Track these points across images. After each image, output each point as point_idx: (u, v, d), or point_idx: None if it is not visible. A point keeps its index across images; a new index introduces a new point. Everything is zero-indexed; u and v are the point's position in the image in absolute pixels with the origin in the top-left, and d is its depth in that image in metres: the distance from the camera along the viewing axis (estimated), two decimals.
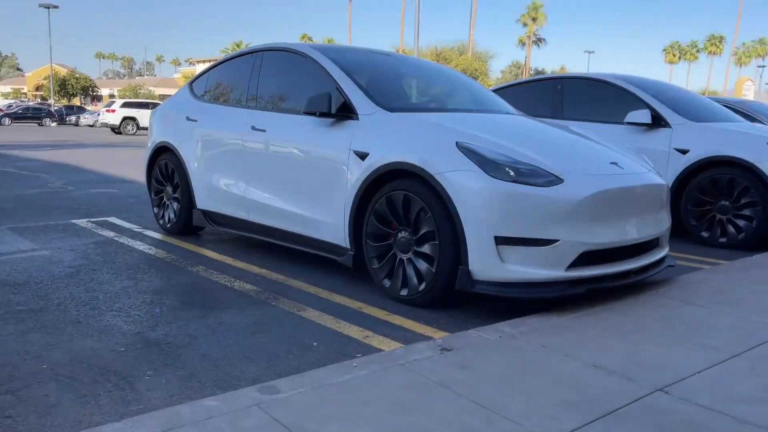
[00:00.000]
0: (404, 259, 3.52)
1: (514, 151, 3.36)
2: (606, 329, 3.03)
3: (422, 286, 3.40)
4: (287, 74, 4.64)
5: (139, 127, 29.45)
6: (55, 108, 45.01)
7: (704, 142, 5.58)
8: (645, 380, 2.42)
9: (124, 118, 29.59)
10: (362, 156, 3.69)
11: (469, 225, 3.17)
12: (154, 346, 2.81)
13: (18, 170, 10.80)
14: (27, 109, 42.27)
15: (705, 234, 5.55)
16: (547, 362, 2.58)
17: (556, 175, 3.24)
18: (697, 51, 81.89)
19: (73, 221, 5.97)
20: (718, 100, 8.62)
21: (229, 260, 4.60)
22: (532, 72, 65.96)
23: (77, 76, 70.05)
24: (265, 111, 4.55)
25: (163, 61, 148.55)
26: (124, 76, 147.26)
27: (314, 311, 3.39)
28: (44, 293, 3.59)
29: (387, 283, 3.60)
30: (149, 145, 5.69)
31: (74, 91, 68.32)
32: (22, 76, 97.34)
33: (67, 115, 43.67)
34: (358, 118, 3.84)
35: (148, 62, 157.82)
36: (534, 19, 61.02)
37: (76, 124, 42.23)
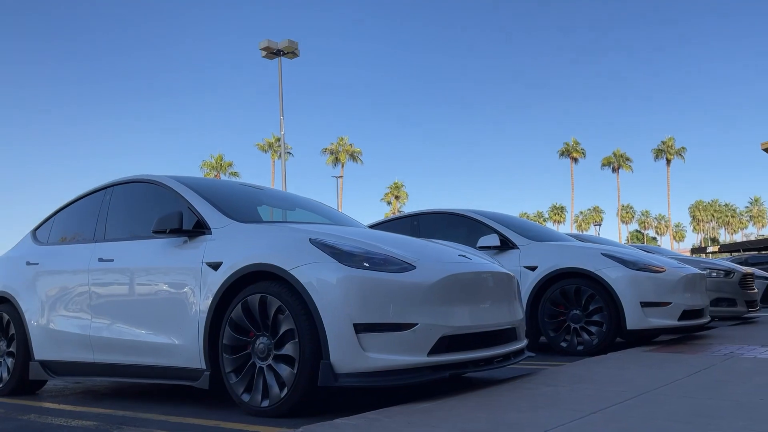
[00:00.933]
0: (264, 367, 3.33)
1: (367, 245, 3.46)
2: (471, 406, 2.99)
3: (284, 391, 3.20)
4: (139, 204, 4.58)
5: None
6: None
7: (549, 258, 6.05)
8: None
9: None
10: (215, 266, 3.61)
11: (328, 316, 3.12)
12: None
13: None
14: None
15: (564, 344, 5.80)
16: None
17: (408, 263, 3.35)
18: (545, 220, 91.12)
19: None
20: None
21: (68, 407, 4.10)
22: None
23: None
24: (113, 242, 4.39)
25: None
26: None
27: None
28: None
29: (246, 397, 3.36)
30: None
31: None
32: None
33: None
34: (210, 232, 3.81)
35: None
36: (397, 197, 65.63)
37: None
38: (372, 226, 7.49)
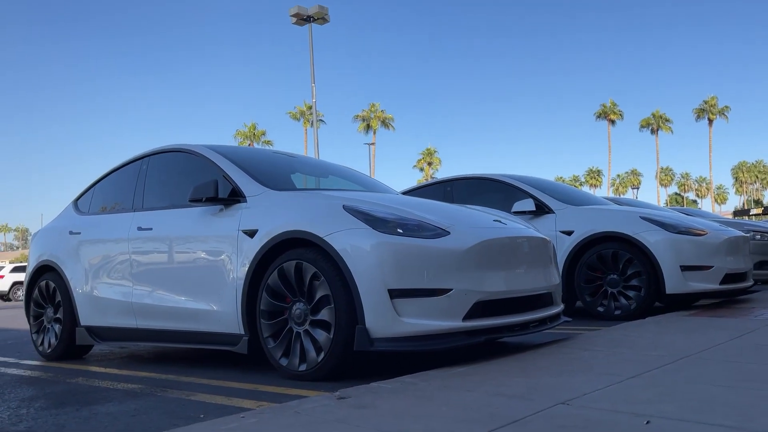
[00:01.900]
0: (300, 331, 3.39)
1: (400, 211, 3.45)
2: (507, 371, 2.99)
3: (321, 356, 3.26)
4: (174, 173, 4.65)
5: None
6: None
7: (585, 222, 5.96)
8: (546, 398, 2.38)
9: (14, 283, 27.86)
10: (251, 233, 3.66)
11: (362, 282, 3.15)
12: None
13: None
14: None
15: (600, 309, 5.74)
16: (447, 397, 2.49)
17: (442, 228, 3.33)
18: (581, 184, 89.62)
19: None
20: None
21: (114, 371, 4.25)
22: None
23: None
24: (151, 211, 4.47)
25: None
26: (18, 248, 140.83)
27: (204, 395, 3.16)
28: None
29: (284, 361, 3.42)
30: (29, 268, 5.37)
31: None
32: None
33: None
34: (245, 200, 3.85)
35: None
36: (430, 164, 65.22)
37: None
38: (405, 193, 7.47)
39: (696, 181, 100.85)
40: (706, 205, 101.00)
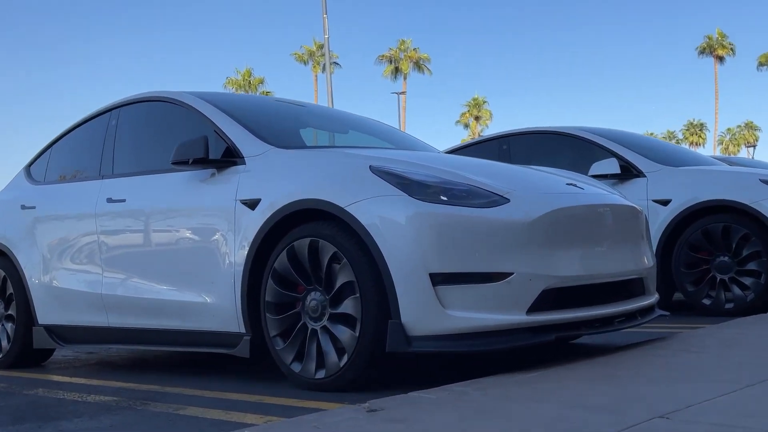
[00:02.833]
0: (317, 329, 3.43)
1: (444, 172, 3.45)
2: (586, 378, 3.00)
3: (344, 359, 3.30)
4: (152, 129, 4.71)
5: None
6: None
7: (687, 189, 5.89)
8: (638, 411, 2.38)
9: None
10: (252, 204, 3.70)
11: (396, 264, 3.16)
12: None
13: None
14: None
15: (707, 301, 5.69)
16: (509, 410, 2.51)
17: (500, 195, 3.33)
18: (678, 142, 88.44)
19: None
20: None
21: (82, 380, 4.37)
22: None
23: None
24: (124, 178, 4.55)
25: None
26: None
27: (196, 408, 3.24)
28: None
29: (297, 367, 3.47)
30: None
31: None
32: None
33: None
34: (244, 162, 3.88)
35: None
36: (477, 118, 64.88)
37: None
38: (448, 153, 7.46)
39: None
40: None
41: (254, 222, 3.66)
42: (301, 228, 3.50)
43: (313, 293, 3.47)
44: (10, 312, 5.15)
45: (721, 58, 65.73)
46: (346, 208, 3.31)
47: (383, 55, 60.38)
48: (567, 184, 3.76)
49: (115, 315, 4.42)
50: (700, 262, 5.75)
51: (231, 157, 3.93)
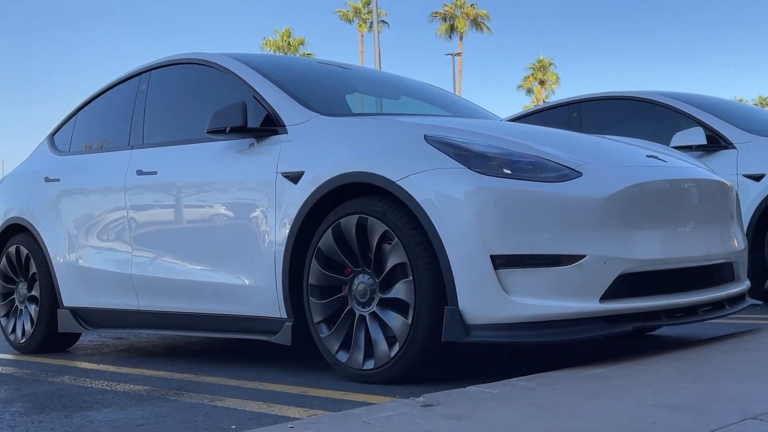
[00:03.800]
0: (366, 315, 3.45)
1: (508, 143, 3.43)
2: (667, 373, 2.97)
3: (395, 349, 3.31)
4: (186, 94, 4.78)
5: None
6: None
7: None
8: (728, 411, 2.35)
9: None
10: (295, 177, 3.72)
11: (454, 244, 3.16)
12: None
13: None
14: None
15: None
16: (580, 407, 2.50)
17: (571, 167, 3.29)
18: None
19: None
20: None
21: (110, 368, 4.48)
22: None
23: None
24: (155, 148, 4.61)
25: None
26: None
27: (235, 400, 3.29)
28: None
29: (343, 356, 3.51)
30: None
31: None
32: None
33: None
34: (286, 131, 3.91)
35: None
36: (542, 82, 64.14)
37: None
38: (523, 116, 7.41)
39: None
40: None
41: (297, 197, 3.68)
42: (348, 204, 3.51)
43: (361, 276, 3.49)
44: (33, 293, 5.29)
45: None
46: (398, 183, 3.31)
47: (437, 12, 59.91)
48: (647, 156, 3.71)
49: (145, 297, 4.51)
50: None
51: (271, 126, 3.96)
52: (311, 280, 3.62)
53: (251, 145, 4.02)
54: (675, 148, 6.00)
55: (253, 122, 3.96)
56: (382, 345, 3.38)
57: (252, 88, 4.17)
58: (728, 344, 3.57)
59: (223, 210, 4.11)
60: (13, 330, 5.40)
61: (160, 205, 4.48)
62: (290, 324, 3.73)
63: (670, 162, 3.73)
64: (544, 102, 60.52)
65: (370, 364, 3.41)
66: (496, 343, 3.17)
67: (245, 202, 3.98)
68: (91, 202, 4.93)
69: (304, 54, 59.11)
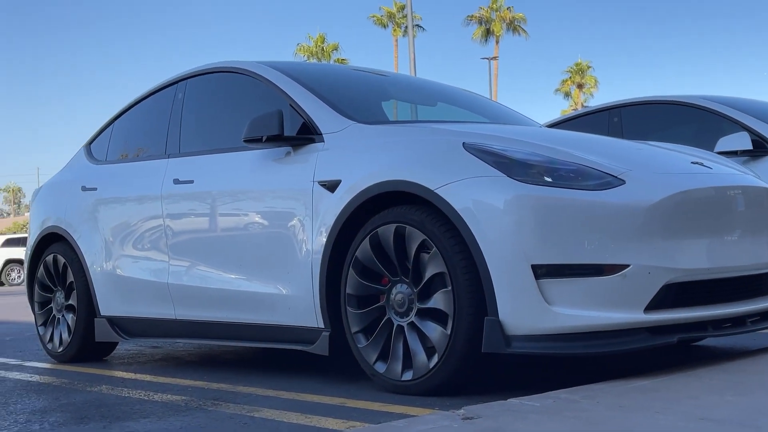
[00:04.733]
0: (404, 325, 3.45)
1: (549, 150, 3.40)
2: (713, 386, 2.93)
3: (433, 360, 3.31)
4: (222, 103, 4.82)
5: None
6: None
7: None
8: None
9: (8, 262, 30.02)
10: (332, 186, 3.73)
11: (494, 254, 3.15)
12: None
13: None
14: None
15: None
16: (626, 421, 2.47)
17: (613, 175, 3.27)
18: None
19: None
20: None
21: (147, 377, 4.52)
22: None
23: None
24: (192, 157, 4.66)
25: None
26: (9, 214, 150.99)
27: (272, 411, 3.31)
28: None
29: (381, 367, 3.51)
30: (31, 237, 5.76)
31: None
32: None
33: None
34: (323, 139, 3.92)
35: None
36: (580, 86, 63.72)
37: None
38: (562, 122, 7.36)
39: None
40: None
41: (334, 205, 3.69)
42: (385, 213, 3.52)
43: (399, 285, 3.49)
44: (70, 302, 5.36)
45: None
46: (437, 191, 3.31)
47: (472, 16, 59.79)
48: (691, 162, 3.66)
49: (182, 306, 4.55)
50: None
51: (308, 134, 3.98)
52: (348, 290, 3.63)
53: (288, 153, 4.05)
54: (720, 153, 5.93)
55: (290, 131, 3.98)
56: (420, 356, 3.37)
57: (288, 96, 4.20)
58: None
59: (259, 219, 4.13)
60: (51, 339, 5.47)
61: (197, 214, 4.52)
62: (327, 334, 3.74)
63: (716, 168, 3.68)
64: (582, 106, 60.09)
65: (408, 375, 3.40)
66: (537, 354, 3.16)
67: (282, 210, 4.00)
68: (127, 211, 4.99)
69: (338, 60, 59.30)
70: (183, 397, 3.75)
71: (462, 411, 2.65)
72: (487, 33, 59.15)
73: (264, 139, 3.98)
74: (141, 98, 5.41)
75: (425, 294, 3.38)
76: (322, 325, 3.78)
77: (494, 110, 5.00)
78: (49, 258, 5.51)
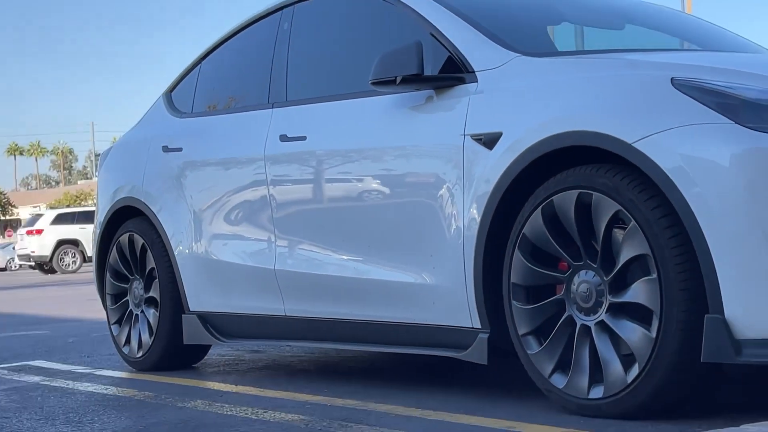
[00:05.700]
0: (590, 325, 3.40)
1: None
2: None
3: (633, 372, 3.25)
4: (342, 34, 4.85)
5: (85, 258, 30.80)
6: None
7: None
8: None
9: (60, 244, 31.12)
10: (490, 141, 3.70)
11: (717, 229, 3.05)
12: None
13: None
14: None
15: None
16: None
17: None
18: None
19: None
20: None
21: (251, 390, 4.62)
22: None
23: None
24: (303, 106, 4.69)
25: None
26: (58, 182, 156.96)
27: None
28: None
29: (560, 380, 3.48)
30: (100, 212, 5.93)
31: None
32: None
33: None
34: (475, 78, 3.89)
35: (99, 155, 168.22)
36: None
37: None
38: None
39: None
40: None
41: (493, 166, 3.67)
42: (564, 175, 3.47)
43: (583, 272, 3.45)
44: (151, 294, 5.50)
45: None
46: (635, 145, 3.23)
47: None
48: None
49: (293, 300, 4.61)
50: None
51: (456, 72, 3.96)
52: (514, 279, 3.61)
53: (429, 98, 4.03)
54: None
55: (432, 68, 3.97)
56: (614, 366, 3.32)
57: (429, 23, 4.17)
58: None
59: (392, 186, 4.13)
60: (128, 341, 5.64)
61: (311, 181, 4.55)
62: (485, 336, 3.73)
63: None
64: None
65: (597, 392, 3.36)
66: None
67: (422, 175, 3.99)
68: (222, 178, 5.07)
69: None
70: (301, 417, 3.80)
71: None
72: None
73: (398, 80, 3.97)
74: (235, 31, 5.47)
75: (620, 284, 3.33)
76: (477, 325, 3.77)
77: (705, 33, 4.86)
78: (124, 238, 5.68)
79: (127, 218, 5.72)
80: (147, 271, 5.52)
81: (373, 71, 4.05)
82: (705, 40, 4.69)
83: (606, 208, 3.32)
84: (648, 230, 3.20)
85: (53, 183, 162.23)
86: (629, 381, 3.26)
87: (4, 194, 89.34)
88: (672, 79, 3.30)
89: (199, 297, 5.18)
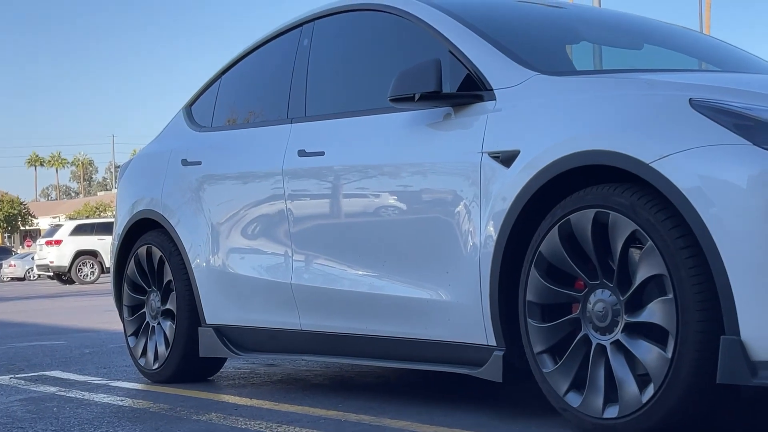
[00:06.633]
0: (606, 345, 3.39)
1: None
2: None
3: (648, 392, 3.23)
4: (361, 51, 4.85)
5: (103, 269, 30.94)
6: None
7: None
8: None
9: (79, 255, 31.27)
10: (507, 159, 3.70)
11: (734, 250, 3.03)
12: None
13: None
14: None
15: None
16: None
17: None
18: None
19: None
20: None
21: (266, 404, 4.62)
22: None
23: None
24: (321, 121, 4.70)
25: None
26: (78, 193, 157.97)
27: None
28: None
29: (575, 399, 3.46)
30: (118, 224, 5.96)
31: None
32: None
33: None
34: (494, 96, 3.89)
35: (119, 166, 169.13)
36: None
37: None
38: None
39: None
40: None
41: (510, 184, 3.66)
42: (581, 194, 3.46)
43: (599, 291, 3.44)
44: (168, 306, 5.53)
45: None
46: (652, 165, 3.22)
47: None
48: None
49: (309, 314, 4.62)
50: None
51: (475, 90, 3.96)
52: (530, 296, 3.60)
53: (447, 116, 4.04)
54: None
55: (451, 85, 3.98)
56: (630, 386, 3.30)
57: (448, 40, 4.18)
58: None
59: (410, 203, 4.13)
60: (144, 352, 5.66)
61: (328, 196, 4.56)
62: (500, 353, 3.72)
63: None
64: None
65: (612, 412, 3.34)
66: None
67: (439, 192, 3.99)
68: (240, 192, 5.09)
69: None
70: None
71: None
72: None
73: (417, 97, 3.97)
74: (255, 46, 5.49)
75: (636, 303, 3.32)
76: (493, 343, 3.76)
77: (723, 53, 4.85)
78: (142, 250, 5.70)
79: (145, 230, 5.74)
80: (164, 283, 5.55)
81: (391, 88, 4.05)
82: (723, 60, 4.69)
83: (623, 227, 3.31)
84: (665, 250, 3.18)
85: (73, 194, 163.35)
86: (644, 401, 3.23)
87: (24, 204, 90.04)
88: (690, 99, 3.29)
89: (216, 310, 5.19)
